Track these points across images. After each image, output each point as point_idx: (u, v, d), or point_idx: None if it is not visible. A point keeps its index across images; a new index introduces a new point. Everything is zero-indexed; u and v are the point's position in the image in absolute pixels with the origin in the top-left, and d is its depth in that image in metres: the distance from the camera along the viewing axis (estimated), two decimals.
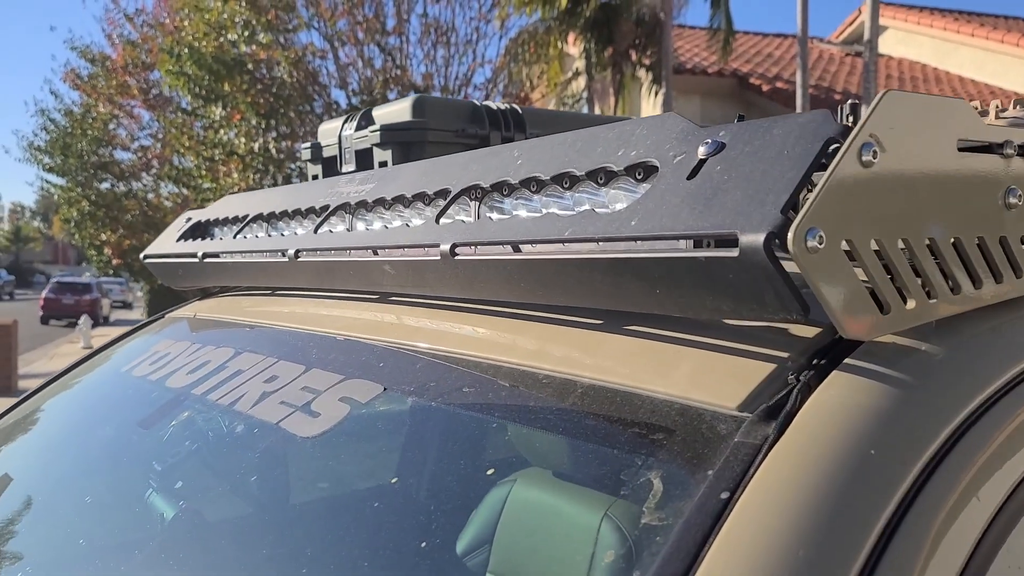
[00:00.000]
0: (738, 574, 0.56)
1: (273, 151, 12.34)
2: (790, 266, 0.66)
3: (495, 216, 1.06)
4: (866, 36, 11.19)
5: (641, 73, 14.67)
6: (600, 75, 15.07)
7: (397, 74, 13.60)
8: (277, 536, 1.02)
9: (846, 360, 0.72)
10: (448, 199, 1.08)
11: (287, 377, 1.11)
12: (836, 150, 0.68)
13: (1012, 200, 0.78)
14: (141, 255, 1.97)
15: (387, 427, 0.96)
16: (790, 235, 0.63)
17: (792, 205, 0.67)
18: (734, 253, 0.67)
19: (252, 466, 1.05)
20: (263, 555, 0.98)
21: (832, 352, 0.74)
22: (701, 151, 0.78)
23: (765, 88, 13.63)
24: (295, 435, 0.98)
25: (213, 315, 1.63)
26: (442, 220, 1.07)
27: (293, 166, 12.41)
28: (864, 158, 0.67)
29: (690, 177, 0.77)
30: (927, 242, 0.72)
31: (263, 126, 12.13)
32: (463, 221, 1.07)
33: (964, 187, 0.75)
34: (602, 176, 0.91)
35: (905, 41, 15.92)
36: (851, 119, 0.95)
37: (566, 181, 0.96)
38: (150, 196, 18.65)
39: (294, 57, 12.54)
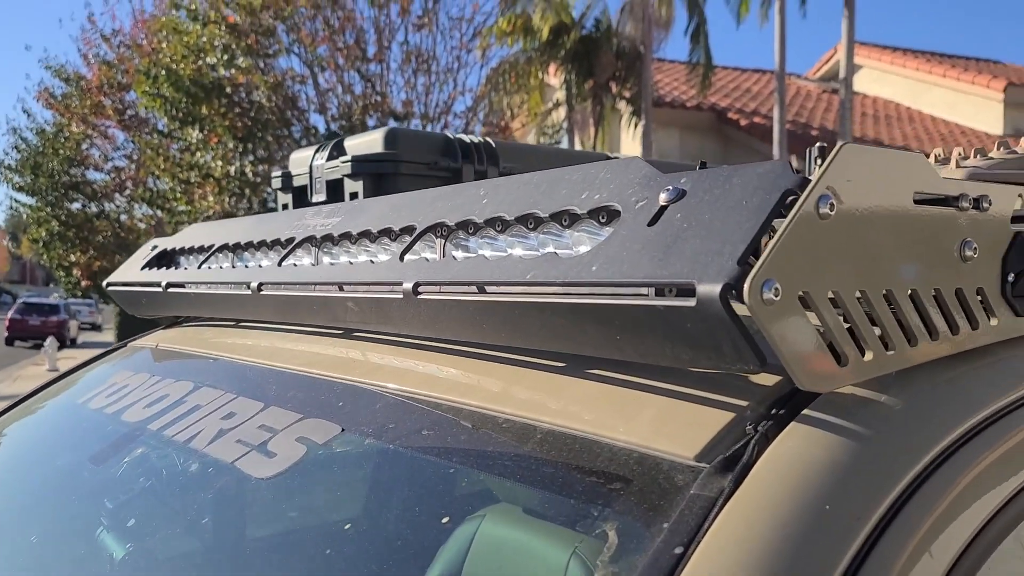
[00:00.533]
0: None
1: (250, 175, 12.31)
2: (748, 316, 0.65)
3: (460, 254, 1.05)
4: (841, 74, 11.42)
5: (621, 105, 14.84)
6: (580, 106, 15.23)
7: (377, 100, 13.65)
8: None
9: (804, 411, 0.72)
10: (413, 236, 1.07)
11: (245, 414, 1.09)
12: (794, 201, 0.68)
13: (967, 252, 0.78)
14: (104, 282, 1.94)
15: (344, 469, 0.95)
16: (746, 286, 0.63)
17: (750, 255, 0.67)
18: (691, 303, 0.67)
19: (205, 506, 1.02)
20: None
21: (790, 402, 0.74)
22: (662, 198, 0.78)
23: (743, 123, 13.82)
24: (249, 475, 0.95)
25: (175, 346, 1.61)
26: (407, 257, 1.06)
27: (269, 190, 12.37)
28: (822, 210, 0.67)
29: (651, 223, 0.77)
30: (884, 293, 0.72)
31: (240, 149, 12.10)
32: (427, 259, 1.06)
33: (921, 239, 0.75)
34: (566, 218, 0.91)
35: (880, 80, 16.24)
36: (819, 161, 0.96)
37: (531, 222, 0.96)
38: (123, 217, 18.47)
39: (273, 82, 12.56)
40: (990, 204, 0.79)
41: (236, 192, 12.01)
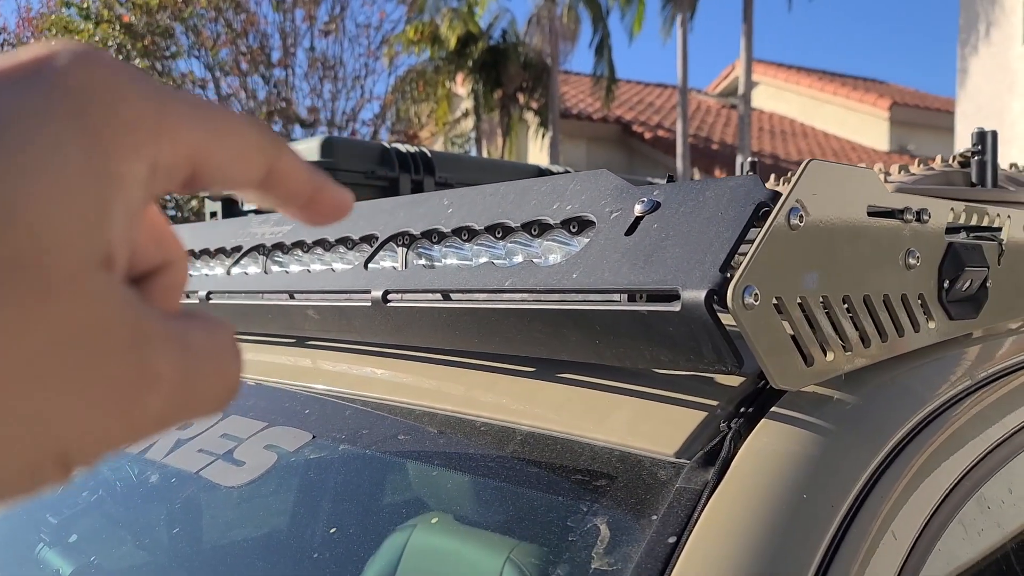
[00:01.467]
0: None
1: None
2: (725, 320, 0.70)
3: (424, 263, 1.07)
4: (740, 90, 11.87)
5: (529, 116, 15.02)
6: (488, 116, 15.33)
7: (282, 107, 13.40)
8: None
9: (773, 408, 0.77)
10: (377, 244, 1.08)
11: (202, 424, 1.07)
12: (766, 213, 0.73)
13: (911, 261, 0.86)
14: None
15: (316, 476, 0.95)
16: (729, 292, 0.68)
17: (730, 263, 0.71)
18: (676, 308, 0.71)
19: (170, 516, 1.01)
20: None
21: (757, 401, 0.79)
22: (638, 209, 0.82)
23: (647, 135, 14.20)
24: (218, 484, 0.95)
25: None
26: (370, 266, 1.07)
27: (168, 197, 11.98)
28: (792, 221, 0.72)
29: (628, 233, 0.81)
30: (843, 298, 0.78)
31: None
32: (393, 268, 1.07)
33: (873, 248, 0.82)
34: (536, 228, 0.94)
35: (775, 97, 16.98)
36: (751, 174, 1.02)
37: (499, 231, 0.98)
38: None
39: (172, 85, 12.15)
40: (929, 216, 0.87)
41: None
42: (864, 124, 15.05)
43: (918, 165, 1.30)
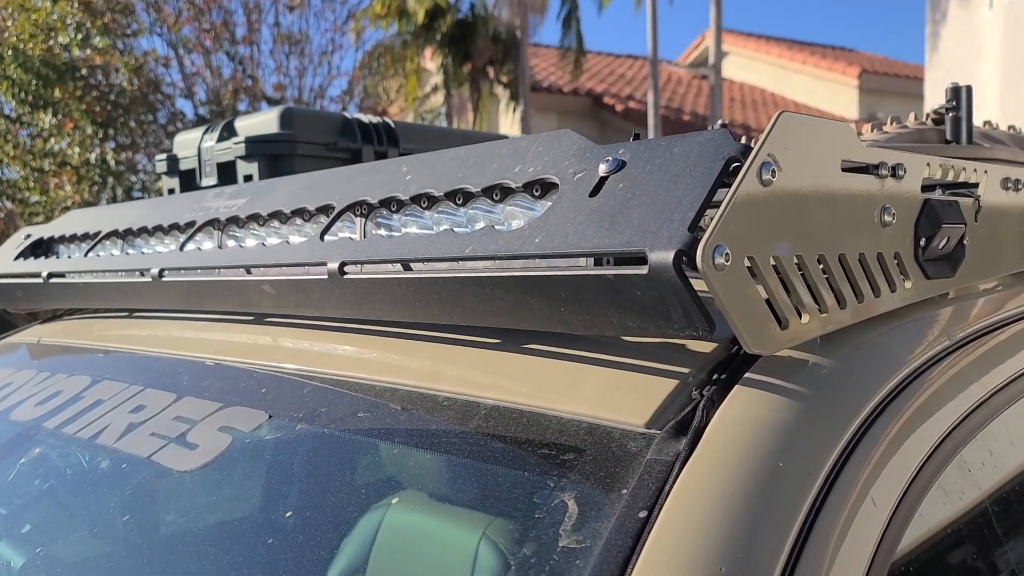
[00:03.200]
0: None
1: (112, 162, 11.66)
2: (696, 284, 0.67)
3: (383, 233, 1.03)
4: (711, 60, 11.84)
5: (499, 90, 14.90)
6: (458, 91, 15.18)
7: (248, 84, 13.15)
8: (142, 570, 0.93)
9: (746, 375, 0.74)
10: (332, 215, 1.04)
11: (156, 406, 1.02)
12: (737, 169, 0.69)
13: (887, 218, 0.82)
14: None
15: (272, 457, 0.90)
16: (699, 252, 0.64)
17: (699, 222, 0.68)
18: (643, 270, 0.67)
19: (120, 504, 0.96)
20: None
21: (729, 367, 0.76)
22: (602, 168, 0.78)
23: (619, 108, 14.14)
24: (170, 469, 0.90)
25: (61, 340, 1.50)
26: (327, 237, 1.02)
27: (134, 178, 11.77)
28: (764, 177, 0.68)
29: (592, 194, 0.77)
30: (817, 258, 0.75)
31: (100, 136, 11.43)
32: (351, 238, 1.03)
33: (847, 206, 0.78)
34: (498, 192, 0.90)
35: (745, 67, 16.95)
36: (721, 128, 0.98)
37: (459, 197, 0.94)
38: None
39: (134, 64, 11.91)
40: (905, 172, 0.84)
41: (97, 181, 11.33)
42: (834, 93, 15.08)
43: (891, 123, 1.27)
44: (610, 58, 17.96)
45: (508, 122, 14.82)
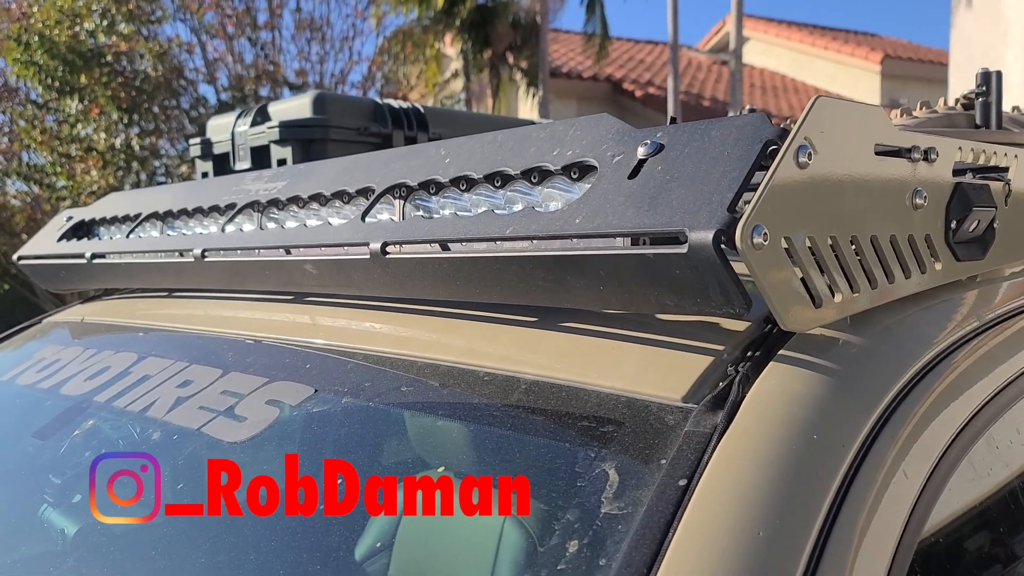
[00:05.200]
0: (704, 556, 0.59)
1: (136, 147, 11.76)
2: (735, 262, 0.69)
3: (421, 214, 1.05)
4: (732, 46, 11.74)
5: (518, 76, 14.85)
6: (477, 76, 15.15)
7: (270, 70, 13.20)
8: (196, 538, 0.97)
9: (780, 352, 0.76)
10: (373, 197, 1.07)
11: (203, 381, 1.06)
12: (774, 152, 0.72)
13: (918, 201, 0.84)
14: (15, 256, 1.84)
15: (319, 429, 0.94)
16: (738, 232, 0.66)
17: (738, 203, 0.70)
18: (683, 250, 0.70)
19: (173, 473, 1.00)
20: (183, 556, 0.94)
21: (764, 344, 0.78)
22: (640, 151, 0.81)
23: (638, 93, 14.07)
24: (220, 440, 0.94)
25: (104, 319, 1.54)
26: (368, 218, 1.05)
27: (157, 163, 11.86)
28: (800, 159, 0.71)
29: (631, 176, 0.79)
30: (850, 239, 0.77)
31: (125, 121, 11.53)
32: (391, 219, 1.05)
33: (880, 188, 0.80)
34: (536, 175, 0.93)
35: (766, 52, 16.80)
36: (758, 111, 1.00)
37: (498, 180, 0.97)
38: None
39: (158, 50, 11.99)
40: (937, 155, 0.85)
41: (122, 166, 11.45)
42: (856, 78, 14.93)
43: (920, 108, 1.28)
44: (629, 43, 17.85)
45: (527, 108, 14.79)
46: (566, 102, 14.78)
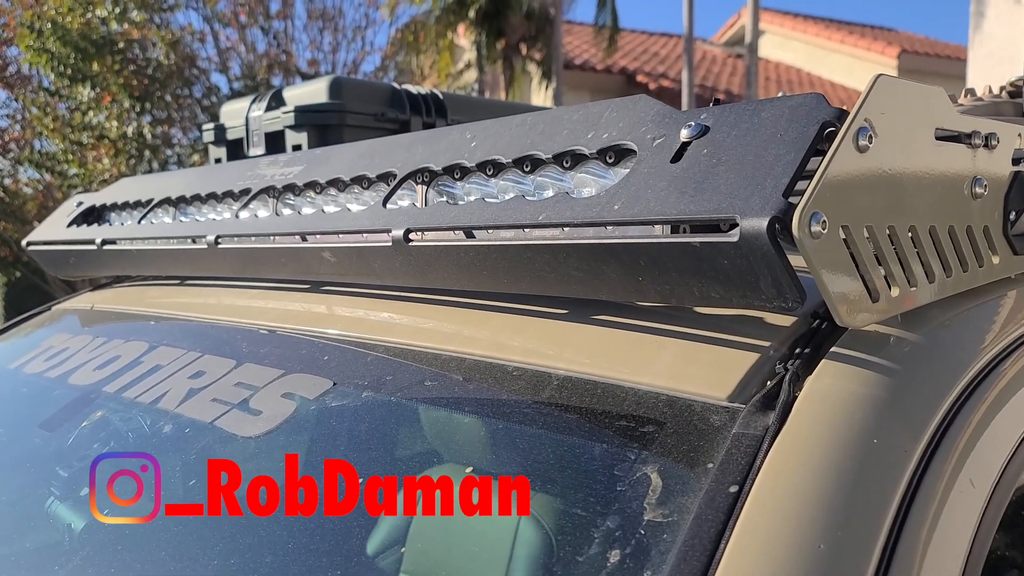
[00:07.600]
0: (761, 570, 0.54)
1: (148, 136, 11.77)
2: (790, 251, 0.64)
3: (445, 200, 1.01)
4: (747, 39, 11.64)
5: (531, 67, 14.78)
6: (491, 67, 15.09)
7: (282, 59, 13.18)
8: (206, 536, 0.93)
9: (832, 349, 0.71)
10: (395, 182, 1.02)
11: (216, 372, 1.02)
12: (832, 134, 0.67)
13: (978, 190, 0.79)
14: (24, 242, 1.81)
15: (339, 424, 0.89)
16: (795, 220, 0.61)
17: (793, 188, 0.65)
18: (734, 238, 0.65)
19: (184, 469, 0.96)
20: (192, 554, 0.90)
21: (813, 341, 0.73)
22: (684, 134, 0.76)
23: (652, 86, 13.97)
24: (233, 435, 0.90)
25: (114, 307, 1.50)
26: (389, 204, 1.01)
27: (169, 152, 11.86)
28: (860, 143, 0.66)
29: (674, 160, 0.75)
30: (908, 229, 0.72)
31: (137, 109, 11.54)
32: (414, 205, 1.01)
33: (939, 176, 0.75)
34: (568, 159, 0.88)
35: (781, 46, 16.66)
36: (814, 92, 0.95)
37: (527, 164, 0.92)
38: (7, 181, 17.34)
39: (171, 38, 11.98)
40: (998, 141, 0.80)
41: (134, 154, 11.45)
42: (872, 73, 14.74)
43: (965, 96, 1.22)
44: (643, 36, 17.73)
45: (540, 99, 14.71)
46: (579, 94, 14.70)
